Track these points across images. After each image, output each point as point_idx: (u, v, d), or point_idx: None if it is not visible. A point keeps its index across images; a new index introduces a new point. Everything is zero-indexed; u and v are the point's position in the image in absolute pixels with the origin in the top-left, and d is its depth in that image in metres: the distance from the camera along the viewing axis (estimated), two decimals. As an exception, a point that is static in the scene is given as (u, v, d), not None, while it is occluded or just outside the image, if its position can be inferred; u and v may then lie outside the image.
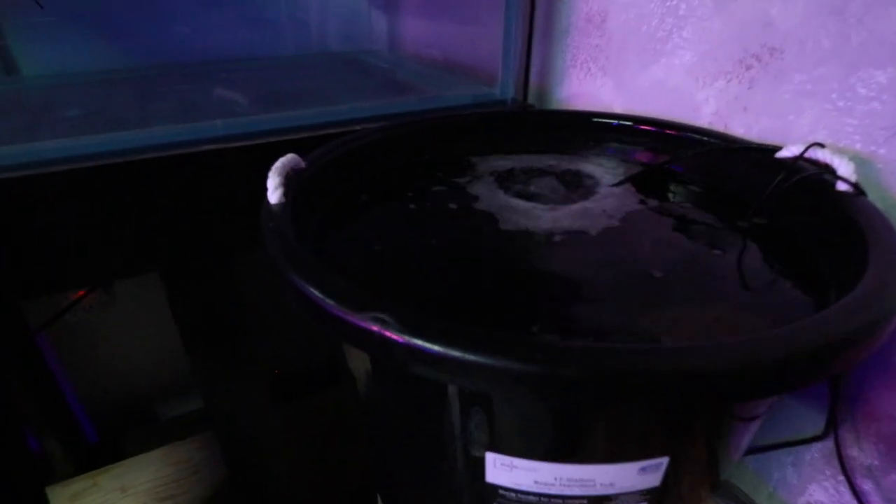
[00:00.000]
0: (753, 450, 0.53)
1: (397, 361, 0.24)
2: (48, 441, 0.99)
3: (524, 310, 0.32)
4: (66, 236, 0.48)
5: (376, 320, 0.24)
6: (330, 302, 0.26)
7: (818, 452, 0.50)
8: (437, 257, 0.38)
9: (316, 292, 0.27)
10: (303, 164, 0.43)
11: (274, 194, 0.37)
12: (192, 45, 0.79)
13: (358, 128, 0.56)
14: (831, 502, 0.50)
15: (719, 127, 0.52)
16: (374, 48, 1.03)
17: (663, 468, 0.30)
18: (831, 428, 0.46)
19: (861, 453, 0.46)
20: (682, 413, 0.28)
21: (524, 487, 0.31)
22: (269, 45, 0.91)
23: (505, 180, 0.49)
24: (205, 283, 0.56)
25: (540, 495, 0.31)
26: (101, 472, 0.96)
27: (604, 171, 0.51)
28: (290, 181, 0.40)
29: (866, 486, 0.47)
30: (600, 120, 0.54)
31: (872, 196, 0.40)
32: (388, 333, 0.24)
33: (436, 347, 0.23)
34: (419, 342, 0.23)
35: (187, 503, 0.91)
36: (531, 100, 0.73)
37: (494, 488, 0.32)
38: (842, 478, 0.47)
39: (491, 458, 0.30)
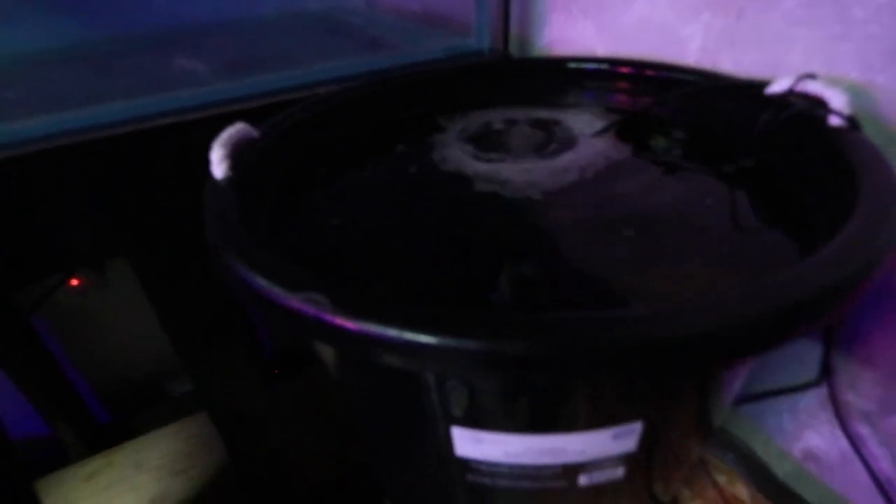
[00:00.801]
0: (747, 398, 0.51)
1: (333, 344, 0.22)
2: (60, 426, 1.01)
3: (488, 277, 0.30)
4: (22, 224, 0.46)
5: (309, 300, 0.22)
6: (261, 282, 0.24)
7: (814, 398, 0.48)
8: (402, 226, 0.36)
9: (247, 272, 0.25)
10: (255, 134, 0.40)
11: (219, 168, 0.35)
12: (150, 14, 0.75)
13: (323, 90, 0.53)
14: (827, 448, 0.49)
15: (707, 64, 0.48)
16: (351, 4, 0.97)
17: (637, 433, 0.29)
18: (826, 374, 0.44)
19: (857, 398, 0.45)
20: (647, 380, 0.26)
21: (495, 459, 0.30)
22: (238, 7, 0.86)
23: (477, 137, 0.46)
24: (178, 266, 0.54)
25: (512, 466, 0.30)
26: (115, 450, 0.98)
27: (583, 120, 0.48)
28: (241, 153, 0.38)
29: (863, 430, 0.46)
30: (576, 65, 0.50)
31: (869, 130, 0.37)
32: (321, 315, 0.22)
33: (372, 328, 0.21)
34: (353, 323, 0.21)
35: (200, 475, 0.93)
36: (512, 49, 0.69)
37: (465, 461, 0.31)
38: (837, 423, 0.46)
39: (458, 433, 0.29)
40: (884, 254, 0.24)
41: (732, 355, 0.22)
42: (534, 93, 0.52)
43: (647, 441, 0.30)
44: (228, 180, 0.35)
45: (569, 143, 0.44)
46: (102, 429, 1.11)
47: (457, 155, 0.44)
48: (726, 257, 0.31)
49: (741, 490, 0.49)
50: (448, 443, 0.30)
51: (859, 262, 0.23)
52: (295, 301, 0.23)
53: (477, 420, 0.28)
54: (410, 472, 0.38)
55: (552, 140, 0.45)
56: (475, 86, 0.53)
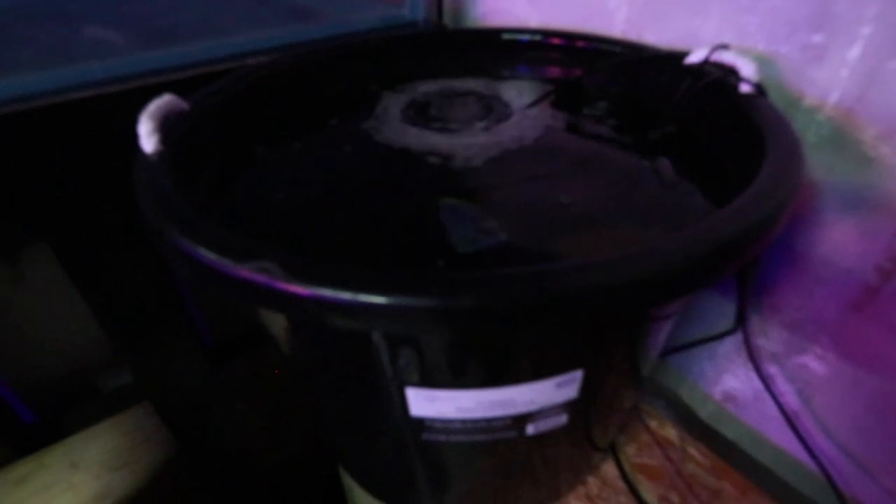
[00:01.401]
0: (673, 349, 0.56)
1: (287, 312, 0.22)
2: (-26, 429, 0.93)
3: (431, 245, 0.31)
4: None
5: (260, 269, 0.22)
6: (210, 255, 0.24)
7: (731, 345, 0.54)
8: (346, 199, 0.36)
9: (193, 246, 0.24)
10: (185, 106, 0.39)
11: (148, 141, 0.33)
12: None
13: (252, 62, 0.51)
14: (743, 388, 0.55)
15: (633, 35, 0.51)
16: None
17: (578, 380, 0.31)
18: (740, 322, 0.49)
19: (767, 342, 0.50)
20: (585, 328, 0.28)
21: (448, 416, 0.31)
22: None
23: (411, 110, 0.46)
24: (105, 251, 0.51)
25: (464, 421, 0.32)
26: (46, 451, 0.92)
27: (517, 91, 0.49)
28: (172, 126, 0.36)
29: (772, 370, 0.51)
30: (510, 37, 0.51)
31: (774, 96, 0.41)
32: (272, 283, 0.22)
33: (325, 292, 0.21)
34: (306, 289, 0.21)
35: (143, 470, 0.89)
36: (447, 20, 0.69)
37: (420, 421, 0.32)
38: (751, 366, 0.51)
39: (412, 393, 0.30)
40: (788, 202, 0.27)
41: (660, 298, 0.25)
42: (469, 64, 0.53)
43: (587, 388, 0.32)
44: (160, 154, 0.33)
45: (505, 114, 0.45)
46: (28, 430, 1.04)
47: (395, 127, 0.44)
48: (654, 217, 0.34)
49: (671, 432, 0.54)
50: (403, 404, 0.31)
51: (766, 211, 0.26)
52: (245, 271, 0.23)
53: (430, 380, 0.29)
54: (366, 437, 0.39)
55: (488, 111, 0.46)
56: (410, 57, 0.53)
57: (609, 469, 0.51)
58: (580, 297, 0.22)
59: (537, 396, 0.31)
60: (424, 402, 0.30)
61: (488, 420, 0.32)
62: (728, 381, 0.56)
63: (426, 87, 0.50)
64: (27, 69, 0.47)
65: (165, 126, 0.35)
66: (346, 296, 0.21)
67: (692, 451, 0.53)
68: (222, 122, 0.41)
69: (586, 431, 0.42)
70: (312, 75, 0.49)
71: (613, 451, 0.52)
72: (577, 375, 0.30)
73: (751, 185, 0.28)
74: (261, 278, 0.22)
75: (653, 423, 0.55)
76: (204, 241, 0.24)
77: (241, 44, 0.54)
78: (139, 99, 0.47)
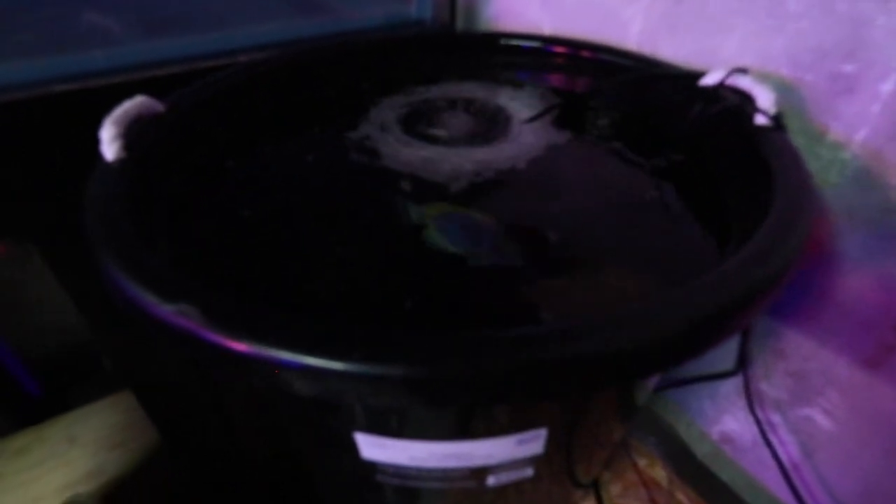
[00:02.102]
0: (671, 384, 0.53)
1: (205, 361, 0.20)
2: (-15, 401, 0.96)
3: (399, 284, 0.28)
4: None
5: (180, 312, 0.20)
6: (134, 288, 0.22)
7: (732, 386, 0.50)
8: (319, 219, 0.34)
9: (121, 275, 0.22)
10: (159, 108, 0.37)
11: (110, 148, 0.32)
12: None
13: (245, 59, 0.49)
14: (742, 431, 0.51)
15: (647, 48, 0.47)
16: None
17: (543, 438, 0.28)
18: (742, 364, 0.45)
19: (771, 388, 0.47)
20: (552, 398, 0.26)
21: (401, 462, 0.29)
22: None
23: (405, 119, 0.44)
24: (87, 251, 0.50)
25: (419, 469, 0.30)
26: (46, 425, 0.94)
27: (517, 101, 0.46)
28: (143, 130, 0.34)
29: (774, 418, 0.48)
30: (508, 42, 0.48)
31: (795, 127, 0.37)
32: (192, 326, 0.20)
33: (242, 346, 0.19)
34: (223, 340, 0.19)
35: (139, 449, 0.90)
36: (459, 20, 0.65)
37: (372, 464, 0.30)
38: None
39: (360, 438, 0.28)
40: (786, 266, 0.24)
41: (645, 370, 0.22)
42: (466, 69, 0.50)
43: (555, 443, 0.30)
44: (121, 163, 0.31)
45: (500, 128, 0.42)
46: (33, 403, 1.06)
47: (383, 136, 0.41)
48: (650, 259, 0.31)
49: (660, 473, 0.51)
50: (353, 447, 0.29)
51: (759, 277, 0.22)
52: (166, 312, 0.21)
53: (378, 429, 0.27)
54: (321, 473, 0.37)
55: (483, 124, 0.43)
56: (404, 60, 0.50)
57: (590, 508, 0.48)
58: (547, 370, 0.19)
59: (496, 451, 0.28)
60: (374, 448, 0.28)
61: (443, 470, 0.29)
62: (728, 423, 0.53)
63: (421, 95, 0.47)
64: (19, 56, 0.46)
65: (132, 130, 0.34)
66: (268, 353, 0.19)
67: (680, 495, 0.50)
68: (199, 127, 0.39)
69: (563, 473, 0.40)
70: (300, 77, 0.47)
71: (596, 488, 0.49)
72: (541, 433, 0.28)
73: (748, 241, 0.25)
74: (180, 321, 0.20)
75: (642, 462, 0.52)
76: (132, 272, 0.22)
77: (237, 38, 0.52)
78: (126, 94, 0.45)
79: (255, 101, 0.44)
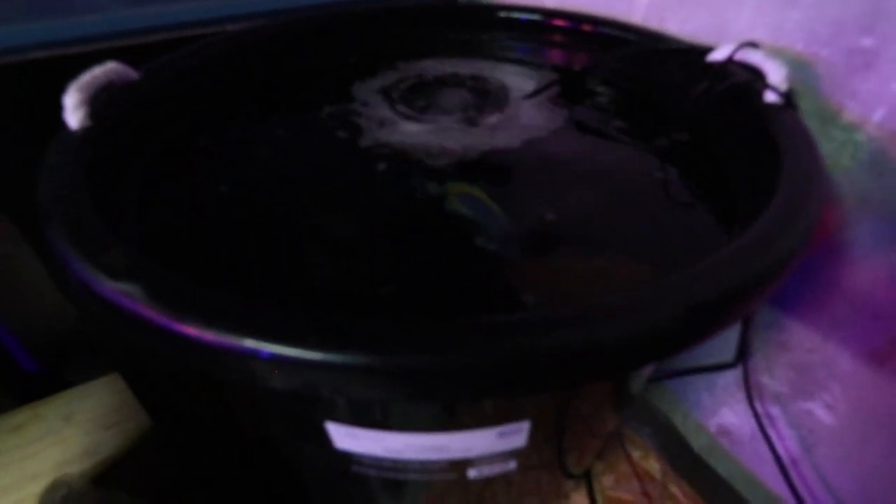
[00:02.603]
0: (668, 374, 0.51)
1: (147, 343, 0.19)
2: (-18, 377, 0.95)
3: (380, 268, 0.26)
4: None
5: (122, 291, 0.19)
6: (78, 263, 0.20)
7: (731, 377, 0.48)
8: (294, 198, 0.32)
9: (66, 248, 0.21)
10: (133, 76, 0.35)
11: (73, 115, 0.30)
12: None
13: (232, 28, 0.47)
14: (740, 424, 0.50)
15: (654, 22, 0.44)
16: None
17: (525, 431, 0.27)
18: (741, 356, 0.44)
19: (772, 380, 0.45)
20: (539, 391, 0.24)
21: (376, 454, 0.28)
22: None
23: (397, 94, 0.42)
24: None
25: (395, 461, 0.28)
26: (42, 402, 0.94)
27: (515, 76, 0.44)
28: (111, 98, 0.33)
29: (774, 411, 0.46)
30: (506, 15, 0.45)
31: (808, 107, 0.35)
32: (135, 307, 0.18)
33: (190, 329, 0.18)
34: (167, 322, 0.18)
35: (133, 430, 0.90)
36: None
37: (346, 455, 0.29)
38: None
39: (332, 428, 0.26)
40: (791, 255, 0.22)
41: (637, 361, 0.20)
42: (463, 43, 0.47)
43: (540, 436, 0.28)
44: (85, 131, 0.30)
45: (497, 104, 0.40)
46: (31, 380, 1.06)
47: (373, 112, 0.39)
48: (643, 247, 0.29)
49: (654, 465, 0.50)
50: (325, 437, 0.28)
51: (763, 265, 0.21)
52: (108, 290, 0.19)
53: (350, 419, 0.25)
54: (299, 461, 0.36)
55: (479, 100, 0.41)
56: (398, 33, 0.48)
57: (580, 500, 0.47)
58: (534, 361, 0.18)
59: (474, 444, 0.27)
60: (347, 438, 0.27)
61: (421, 462, 0.28)
62: (725, 415, 0.51)
63: (415, 68, 0.45)
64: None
65: (100, 98, 0.32)
66: (216, 338, 0.18)
67: (674, 488, 0.48)
68: (177, 97, 0.37)
69: (552, 464, 0.38)
70: (288, 49, 0.45)
71: (588, 479, 0.48)
72: (524, 426, 0.26)
73: (752, 225, 0.23)
74: (123, 301, 0.19)
75: (635, 453, 0.51)
76: (74, 246, 0.21)
77: (227, 6, 0.49)
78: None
79: (239, 73, 0.42)
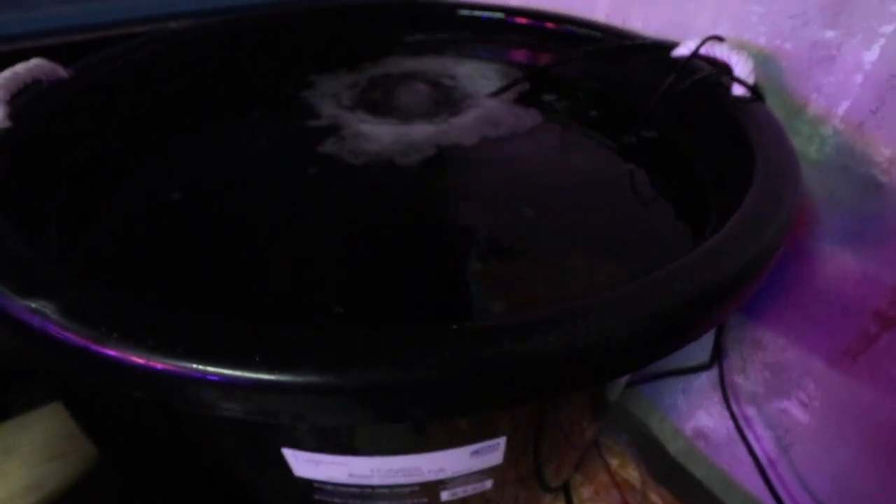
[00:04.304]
0: (643, 379, 0.50)
1: (61, 367, 0.16)
2: None
3: (335, 278, 0.24)
4: None
5: (33, 311, 0.16)
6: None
7: (706, 380, 0.48)
8: (242, 203, 0.29)
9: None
10: (63, 74, 0.32)
11: (-11, 116, 0.26)
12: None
13: (174, 25, 0.44)
14: (716, 426, 0.49)
15: (617, 20, 0.44)
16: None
17: (501, 448, 0.25)
18: (716, 357, 0.43)
19: (746, 381, 0.44)
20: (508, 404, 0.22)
21: (340, 480, 0.25)
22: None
23: (356, 94, 0.40)
24: None
25: (361, 486, 0.26)
26: (-20, 435, 0.87)
27: (479, 75, 0.42)
28: (38, 98, 0.29)
29: (749, 412, 0.45)
30: (468, 13, 0.44)
31: (773, 101, 0.34)
32: (46, 327, 0.16)
33: (108, 351, 0.15)
34: (82, 342, 0.15)
35: (81, 460, 0.84)
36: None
37: (307, 482, 0.26)
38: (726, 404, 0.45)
39: (290, 454, 0.24)
40: (772, 249, 0.21)
41: (615, 369, 0.18)
42: (426, 42, 0.46)
43: (516, 452, 0.26)
44: (2, 133, 0.26)
45: (461, 104, 0.39)
46: (-34, 411, 0.98)
47: (330, 112, 0.37)
48: (613, 246, 0.27)
49: (632, 473, 0.49)
50: (283, 463, 0.25)
51: (738, 264, 0.19)
52: (19, 308, 0.16)
53: (308, 443, 0.23)
54: (256, 490, 0.33)
55: (441, 99, 0.39)
56: (355, 31, 0.46)
57: (559, 512, 0.45)
58: (502, 370, 0.16)
59: (448, 465, 0.25)
60: (307, 465, 0.24)
61: (389, 487, 0.26)
62: (701, 418, 0.50)
63: (373, 68, 0.43)
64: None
65: (24, 98, 0.29)
66: (140, 359, 0.15)
67: (653, 496, 0.47)
68: (114, 98, 0.34)
69: (529, 478, 0.36)
70: (236, 48, 0.42)
71: (566, 492, 0.46)
72: (500, 442, 0.24)
73: (733, 219, 0.22)
74: (33, 321, 0.16)
75: (614, 462, 0.49)
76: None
77: (169, 2, 0.46)
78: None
79: (185, 73, 0.39)
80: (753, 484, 0.47)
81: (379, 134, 0.35)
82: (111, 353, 0.15)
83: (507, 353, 0.15)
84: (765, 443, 0.45)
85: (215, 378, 0.15)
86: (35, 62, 0.31)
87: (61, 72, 0.32)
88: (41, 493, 0.78)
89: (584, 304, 0.17)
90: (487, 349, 0.15)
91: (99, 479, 0.73)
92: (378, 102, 0.38)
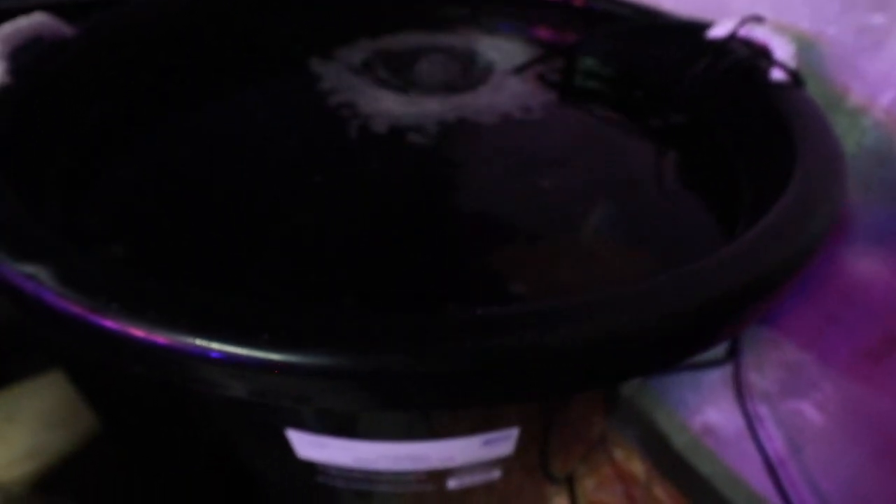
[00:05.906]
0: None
1: (57, 336, 0.15)
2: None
3: (346, 261, 0.23)
4: None
5: (27, 275, 0.15)
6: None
7: (718, 375, 0.47)
8: (256, 175, 0.28)
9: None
10: (66, 31, 0.30)
11: (-12, 71, 0.25)
12: None
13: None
14: (725, 422, 0.48)
15: None
16: None
17: (513, 439, 0.24)
18: (732, 353, 0.42)
19: (761, 379, 0.43)
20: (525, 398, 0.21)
21: (345, 464, 0.24)
22: None
23: (375, 67, 0.38)
24: None
25: (367, 471, 0.25)
26: (-19, 400, 0.87)
27: (501, 52, 0.41)
28: (40, 55, 0.28)
29: (762, 410, 0.44)
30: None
31: (811, 89, 0.32)
32: (40, 293, 0.15)
33: (106, 322, 0.14)
34: (77, 310, 0.14)
35: (83, 429, 0.84)
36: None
37: (310, 465, 0.25)
38: (737, 400, 0.44)
39: (294, 436, 0.23)
40: (815, 245, 0.20)
41: (644, 365, 0.17)
42: (447, 17, 0.44)
43: (527, 443, 0.25)
44: (2, 89, 0.25)
45: (482, 79, 0.37)
46: (-30, 376, 0.98)
47: (344, 84, 0.35)
48: (643, 230, 0.26)
49: (637, 466, 0.48)
50: (286, 445, 0.24)
51: (780, 258, 0.18)
52: (13, 273, 0.15)
53: (315, 426, 0.22)
54: (254, 470, 0.32)
55: (466, 73, 0.37)
56: (375, 2, 0.44)
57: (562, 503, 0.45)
58: (519, 362, 0.14)
59: (457, 454, 0.24)
60: (312, 448, 0.23)
61: (395, 473, 0.25)
62: (710, 413, 0.49)
63: (393, 41, 0.41)
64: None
65: (25, 54, 0.27)
66: (140, 331, 0.14)
67: (657, 490, 0.47)
68: (121, 59, 0.33)
69: (536, 469, 0.35)
70: (253, 11, 0.40)
71: (570, 483, 0.45)
72: (512, 433, 0.23)
73: (766, 215, 0.20)
74: (27, 286, 0.15)
75: (619, 455, 0.49)
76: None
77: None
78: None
79: (199, 37, 0.37)
80: (760, 482, 0.47)
81: (396, 108, 0.33)
82: (109, 324, 0.14)
83: (537, 344, 0.14)
84: (776, 443, 0.44)
85: (220, 356, 0.13)
86: (38, 17, 0.29)
87: (65, 29, 0.31)
88: (42, 460, 0.79)
89: (617, 294, 0.16)
90: (510, 339, 0.14)
91: (100, 449, 0.74)
92: (397, 75, 0.37)
